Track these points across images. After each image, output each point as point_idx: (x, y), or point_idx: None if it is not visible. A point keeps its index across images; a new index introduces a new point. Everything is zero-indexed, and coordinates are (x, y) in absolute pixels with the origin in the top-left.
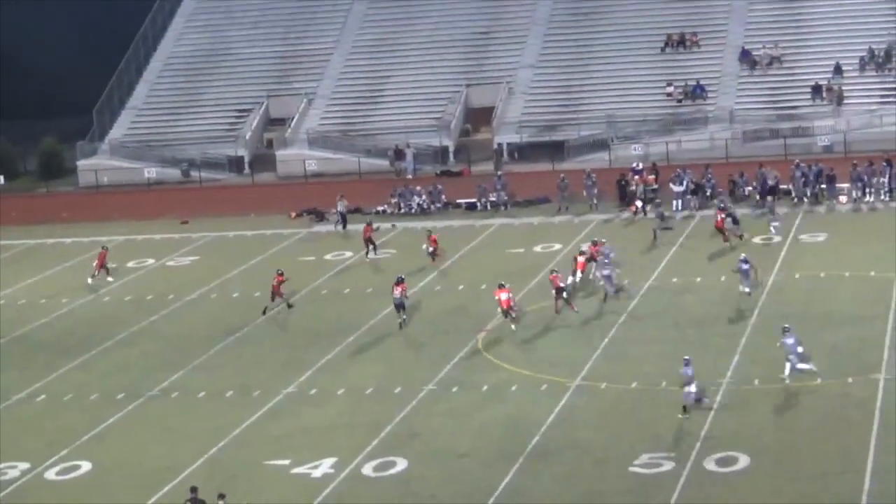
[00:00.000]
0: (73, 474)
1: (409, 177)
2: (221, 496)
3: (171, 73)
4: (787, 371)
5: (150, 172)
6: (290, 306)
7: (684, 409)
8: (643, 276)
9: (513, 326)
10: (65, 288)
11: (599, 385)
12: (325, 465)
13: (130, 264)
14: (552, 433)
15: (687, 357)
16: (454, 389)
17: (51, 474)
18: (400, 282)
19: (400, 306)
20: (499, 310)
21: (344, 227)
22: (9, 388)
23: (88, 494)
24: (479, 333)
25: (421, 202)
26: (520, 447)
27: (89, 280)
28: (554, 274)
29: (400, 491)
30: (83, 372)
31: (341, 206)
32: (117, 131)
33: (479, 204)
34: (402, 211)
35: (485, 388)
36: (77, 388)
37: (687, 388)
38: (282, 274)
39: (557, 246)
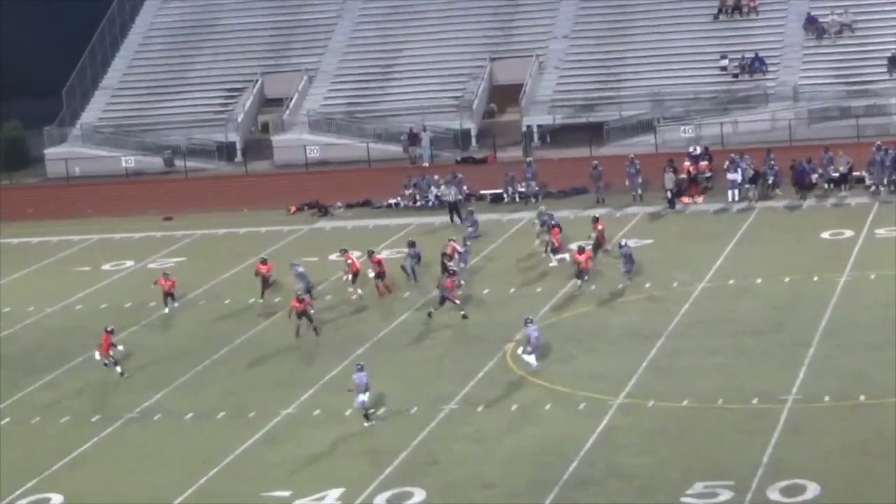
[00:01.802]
0: None
1: (426, 164)
2: None
3: (150, 47)
4: (532, 365)
5: (129, 161)
6: (315, 332)
7: (366, 417)
8: (696, 276)
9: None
10: (31, 295)
11: (646, 403)
12: (330, 497)
13: (106, 267)
14: (592, 459)
15: (360, 363)
16: (479, 409)
17: None
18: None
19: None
20: (371, 274)
21: (460, 218)
22: None
23: None
24: (507, 344)
25: (439, 194)
26: (555, 475)
27: (165, 310)
28: (376, 256)
29: None
30: (53, 391)
31: (451, 194)
32: (90, 115)
33: (505, 195)
34: (419, 203)
35: (514, 407)
36: (46, 409)
37: (360, 397)
38: (302, 300)
39: None
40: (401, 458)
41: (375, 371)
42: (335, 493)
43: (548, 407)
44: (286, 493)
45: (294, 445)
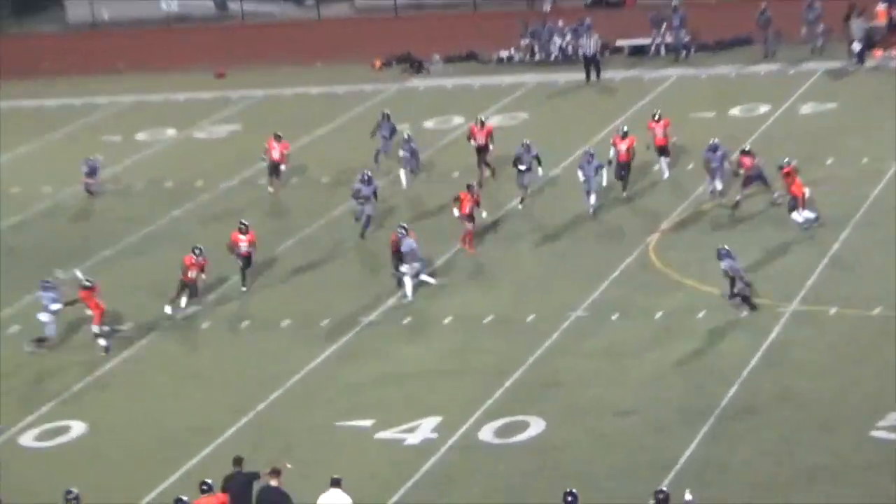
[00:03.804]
0: (59, 439)
1: (547, 9)
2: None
3: None
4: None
5: (170, 4)
6: None
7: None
8: (891, 150)
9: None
10: (48, 172)
11: (826, 310)
12: (424, 428)
13: (141, 136)
14: (757, 382)
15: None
16: (613, 318)
17: (27, 438)
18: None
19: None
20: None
21: (598, 75)
22: None
23: (82, 466)
24: (650, 235)
25: (563, 45)
26: (710, 402)
27: (167, 309)
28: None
29: (533, 465)
30: (74, 292)
31: (591, 45)
32: None
33: (650, 48)
34: (538, 57)
35: (658, 315)
36: (67, 312)
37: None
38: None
39: (764, 108)
40: (513, 378)
41: (482, 271)
42: (430, 422)
43: (701, 315)
44: (367, 423)
45: (378, 363)
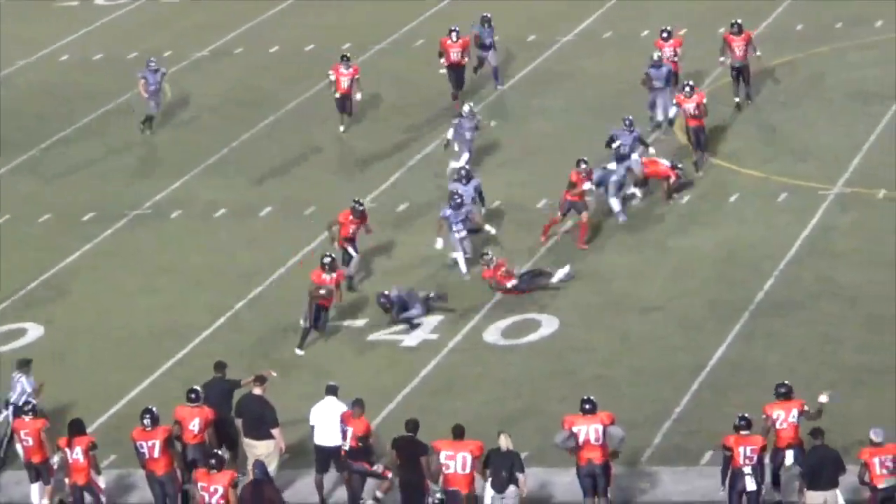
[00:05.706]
0: (14, 343)
1: None
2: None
3: None
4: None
5: None
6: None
7: None
8: None
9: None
10: None
11: (874, 193)
12: (423, 329)
13: (100, 0)
14: (797, 273)
15: None
16: (635, 201)
17: None
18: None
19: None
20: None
21: None
22: None
23: (39, 373)
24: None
25: None
26: (744, 296)
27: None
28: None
29: (546, 368)
30: (29, 178)
31: None
32: None
33: None
34: None
35: (686, 199)
36: (18, 204)
37: None
38: None
39: None
40: (523, 269)
41: (488, 149)
42: (429, 321)
43: (734, 198)
44: (359, 323)
45: (368, 253)
